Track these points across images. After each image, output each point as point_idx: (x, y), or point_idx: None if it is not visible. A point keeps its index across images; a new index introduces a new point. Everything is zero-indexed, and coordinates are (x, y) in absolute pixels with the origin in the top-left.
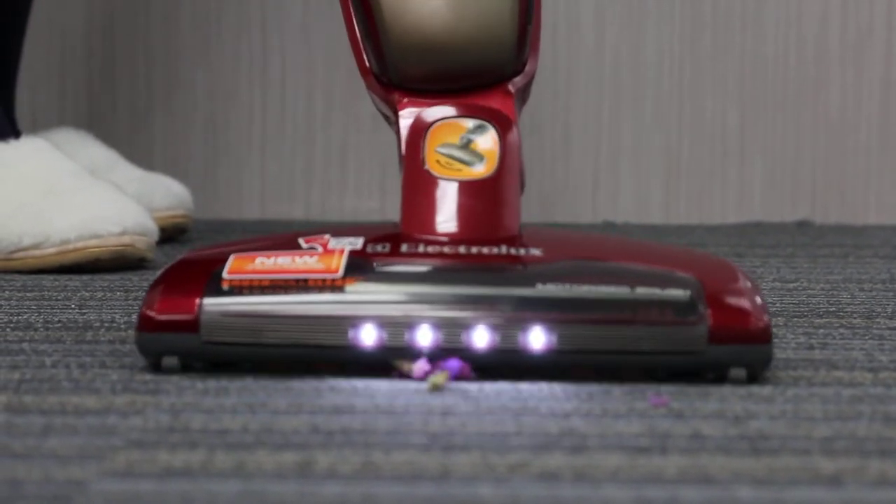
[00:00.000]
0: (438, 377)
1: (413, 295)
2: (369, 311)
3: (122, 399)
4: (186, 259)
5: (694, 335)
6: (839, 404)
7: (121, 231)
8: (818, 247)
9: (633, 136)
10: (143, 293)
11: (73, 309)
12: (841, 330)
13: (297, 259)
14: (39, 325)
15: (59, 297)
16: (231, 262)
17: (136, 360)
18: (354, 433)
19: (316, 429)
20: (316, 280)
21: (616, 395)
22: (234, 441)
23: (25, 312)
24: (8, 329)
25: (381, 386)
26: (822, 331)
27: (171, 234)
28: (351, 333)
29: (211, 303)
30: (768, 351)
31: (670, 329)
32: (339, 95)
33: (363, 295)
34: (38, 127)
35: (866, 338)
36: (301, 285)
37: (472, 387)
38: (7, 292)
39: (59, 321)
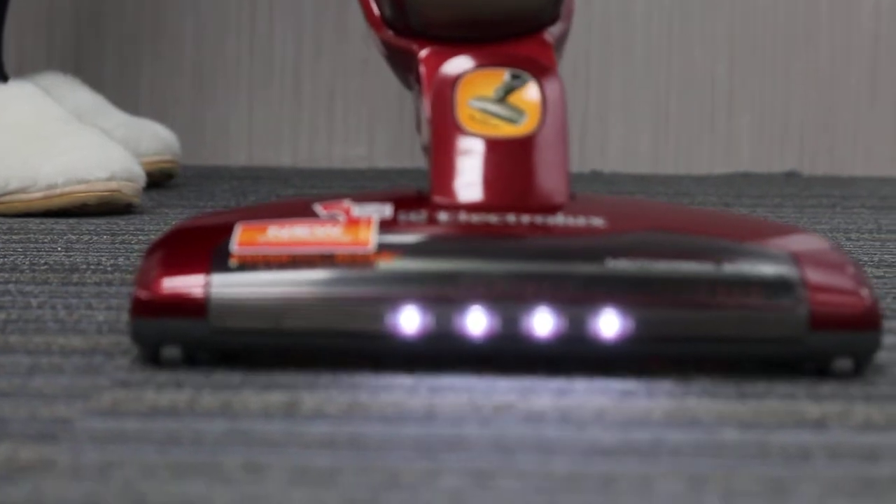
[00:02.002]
0: None
1: (461, 273)
2: (409, 291)
3: (107, 340)
4: (182, 229)
5: (794, 320)
6: None
7: (108, 176)
8: (805, 197)
9: (621, 86)
10: (130, 237)
11: (60, 252)
12: None
13: (318, 230)
14: (25, 268)
15: (45, 240)
16: (239, 232)
17: (122, 302)
18: (341, 375)
19: (302, 370)
20: (344, 255)
21: None
22: (220, 382)
23: (11, 255)
24: None
25: None
26: None
27: (157, 179)
28: (388, 318)
29: (220, 282)
30: (877, 337)
31: (766, 313)
32: (328, 41)
33: (401, 273)
34: (24, 71)
35: None
36: (326, 261)
37: None
38: None
39: (46, 263)
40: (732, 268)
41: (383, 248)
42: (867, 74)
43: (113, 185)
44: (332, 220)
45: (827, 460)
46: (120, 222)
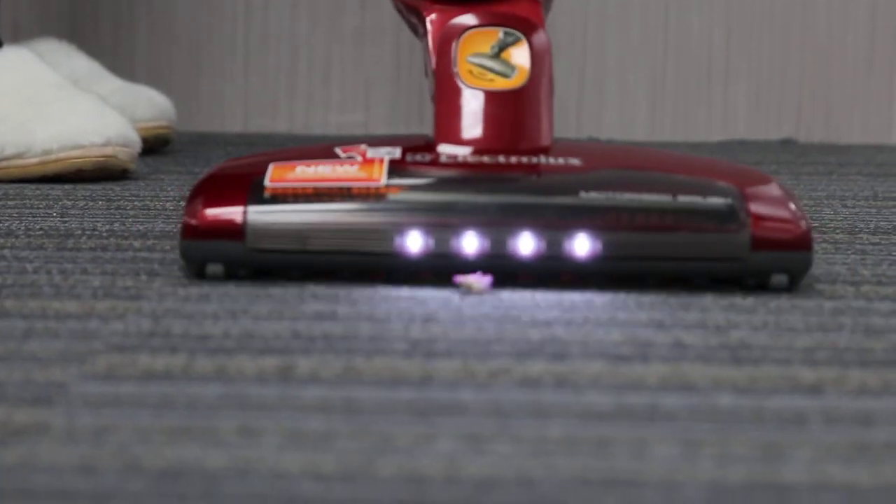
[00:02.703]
0: (475, 284)
1: (458, 203)
2: (415, 218)
3: (103, 304)
4: (223, 168)
5: (737, 242)
6: (821, 316)
7: (103, 142)
8: (801, 164)
9: (618, 54)
10: (125, 202)
11: (55, 217)
12: (824, 245)
13: (338, 168)
14: (21, 233)
15: (40, 206)
16: (271, 170)
17: (117, 266)
18: (336, 339)
19: (297, 335)
20: (360, 188)
21: (598, 305)
22: (214, 346)
23: (7, 220)
24: None
25: (363, 293)
26: None
27: (153, 145)
28: (397, 241)
29: (256, 210)
30: (809, 257)
31: (714, 236)
32: (324, 9)
33: (407, 203)
34: (20, 37)
35: (849, 252)
36: (345, 193)
37: (454, 295)
38: None
39: (41, 229)
40: (686, 199)
41: (392, 183)
42: (864, 42)
43: (108, 150)
44: (350, 160)
45: (822, 425)
46: (115, 188)
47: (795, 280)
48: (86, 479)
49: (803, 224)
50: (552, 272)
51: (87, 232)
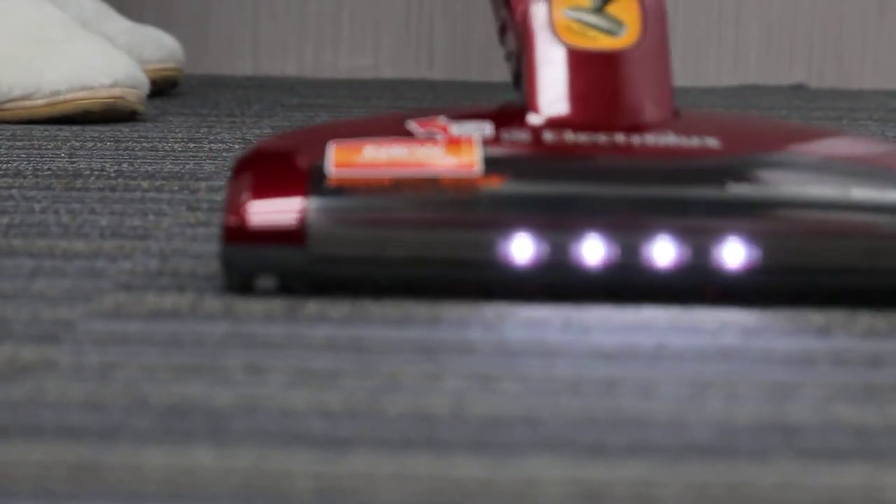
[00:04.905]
0: None
1: (576, 198)
2: (522, 217)
3: (110, 244)
4: (268, 148)
5: None
6: None
7: (111, 83)
8: (812, 110)
9: None
10: (133, 143)
11: (63, 158)
12: None
13: (418, 150)
14: (29, 173)
15: (49, 147)
16: (333, 153)
17: (125, 207)
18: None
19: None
20: (450, 178)
21: None
22: (222, 285)
23: (15, 161)
24: None
25: None
26: None
27: (161, 87)
28: (500, 246)
29: (319, 206)
30: None
31: None
32: None
33: (512, 197)
34: None
35: None
36: (431, 184)
37: None
38: None
39: (49, 169)
40: (863, 192)
41: (491, 171)
42: None
43: (116, 91)
44: (431, 139)
45: (830, 366)
46: (124, 129)
47: None
48: (92, 415)
49: None
50: (695, 287)
51: (96, 172)
